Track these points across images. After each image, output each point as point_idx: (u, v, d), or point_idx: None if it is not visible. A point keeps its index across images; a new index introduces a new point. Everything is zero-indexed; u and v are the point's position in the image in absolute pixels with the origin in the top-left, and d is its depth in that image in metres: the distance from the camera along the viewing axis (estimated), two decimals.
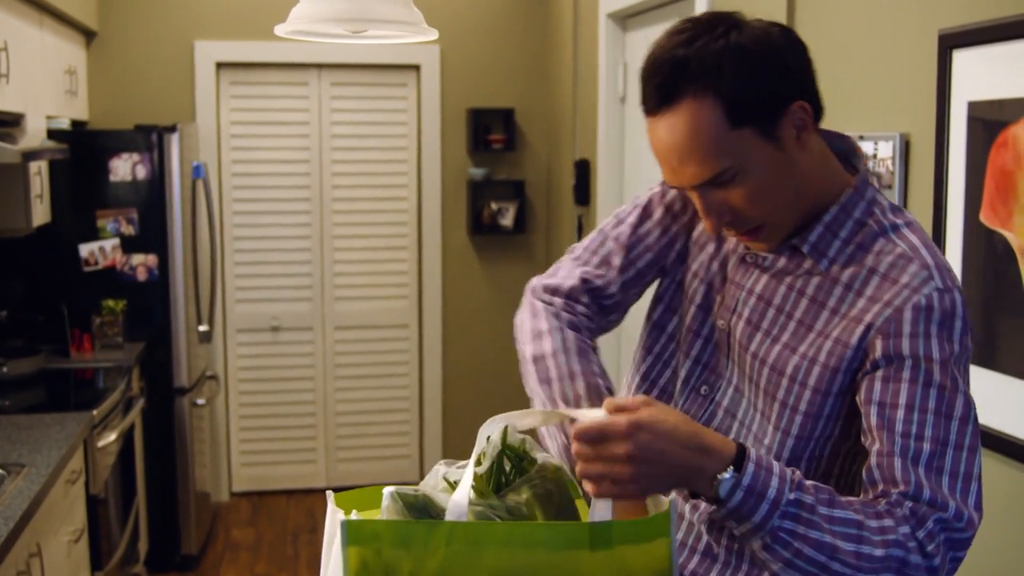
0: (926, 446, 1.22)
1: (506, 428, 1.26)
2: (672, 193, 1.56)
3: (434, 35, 1.35)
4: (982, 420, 1.95)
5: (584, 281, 1.57)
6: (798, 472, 1.20)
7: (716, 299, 1.47)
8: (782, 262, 1.39)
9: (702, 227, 1.53)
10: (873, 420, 1.25)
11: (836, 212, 1.35)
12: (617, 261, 1.56)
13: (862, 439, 1.28)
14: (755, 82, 1.26)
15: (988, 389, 1.91)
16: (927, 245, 1.32)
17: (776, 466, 1.17)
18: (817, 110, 1.34)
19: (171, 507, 4.36)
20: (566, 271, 1.60)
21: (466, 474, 1.17)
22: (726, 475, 1.14)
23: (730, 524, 1.18)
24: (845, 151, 1.42)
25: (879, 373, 1.26)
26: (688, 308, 1.51)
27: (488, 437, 1.27)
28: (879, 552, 1.15)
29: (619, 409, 1.16)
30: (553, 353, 1.50)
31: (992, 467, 1.94)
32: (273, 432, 5.34)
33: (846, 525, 1.16)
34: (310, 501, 5.25)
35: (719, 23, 1.29)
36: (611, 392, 1.45)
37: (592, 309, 1.58)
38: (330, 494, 1.26)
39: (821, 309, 1.33)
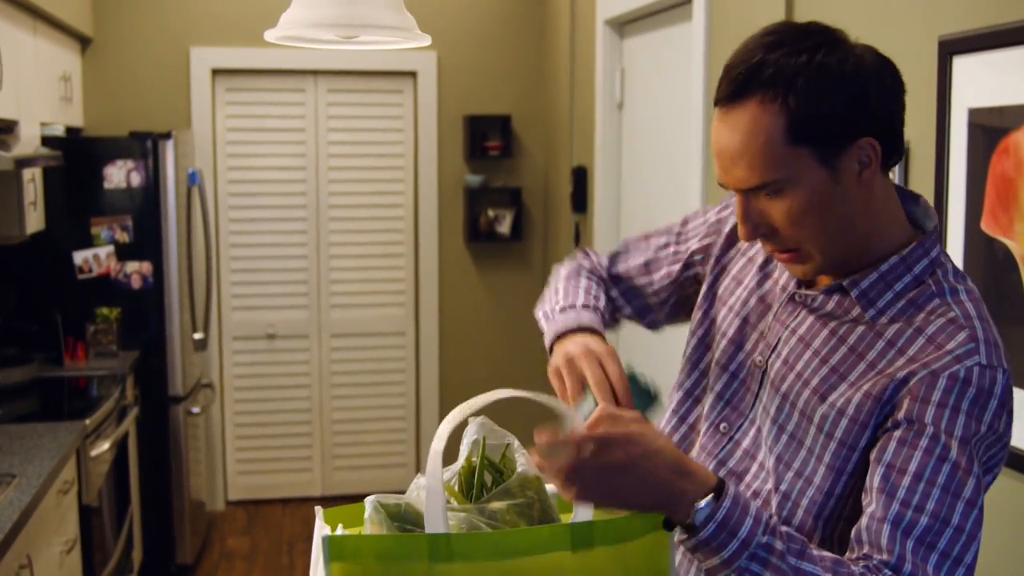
0: (923, 519, 1.17)
1: (484, 438, 1.24)
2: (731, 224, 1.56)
3: (427, 41, 1.33)
4: None
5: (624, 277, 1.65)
6: (775, 518, 1.19)
7: (750, 335, 1.43)
8: (830, 306, 1.35)
9: (743, 263, 1.51)
10: (876, 481, 1.21)
11: (895, 263, 1.30)
12: (658, 278, 1.62)
13: (862, 497, 1.23)
14: (825, 104, 1.22)
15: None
16: (982, 318, 1.27)
17: (753, 507, 1.15)
18: (890, 153, 1.29)
19: (165, 516, 4.33)
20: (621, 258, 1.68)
21: (429, 480, 1.14)
22: (702, 504, 1.13)
23: (698, 556, 1.16)
24: (916, 212, 1.37)
25: (897, 434, 1.21)
26: (720, 342, 1.47)
27: (473, 440, 1.26)
28: None
29: (613, 418, 1.15)
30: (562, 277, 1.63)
31: (999, 483, 1.91)
32: (269, 440, 5.31)
33: None
34: (306, 510, 5.22)
35: (813, 36, 1.25)
36: (598, 310, 1.56)
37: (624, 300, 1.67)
38: (319, 510, 1.24)
39: (859, 360, 1.28)
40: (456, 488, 1.23)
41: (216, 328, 5.12)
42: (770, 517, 1.16)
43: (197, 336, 4.60)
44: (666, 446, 1.15)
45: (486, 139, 5.24)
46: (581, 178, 4.53)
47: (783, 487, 1.30)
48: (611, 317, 1.65)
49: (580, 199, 4.54)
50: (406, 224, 5.32)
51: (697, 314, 1.53)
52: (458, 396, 5.41)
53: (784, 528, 1.16)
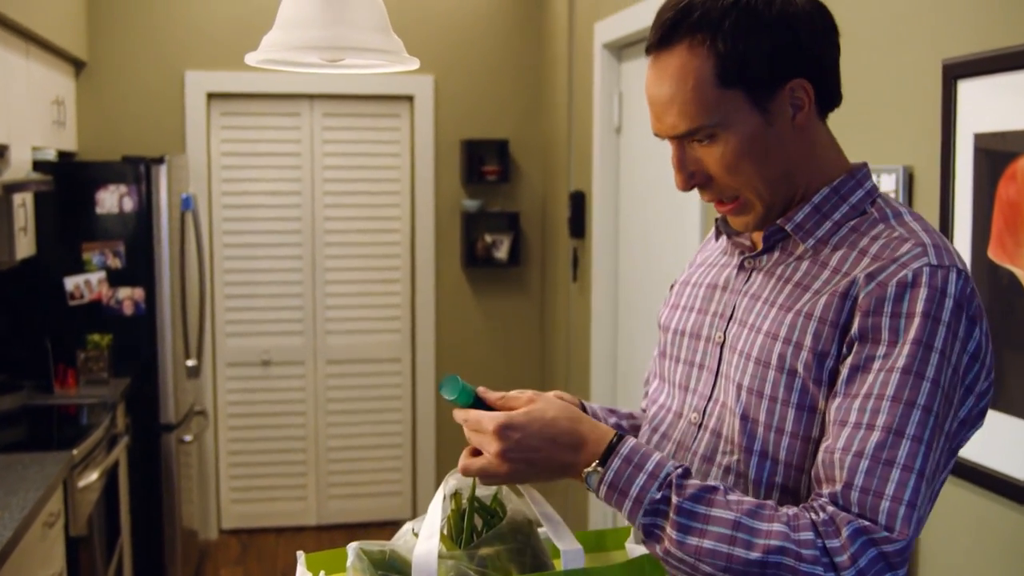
0: (874, 435, 1.11)
1: (474, 479, 1.19)
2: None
3: (415, 64, 1.28)
4: (987, 462, 1.87)
5: None
6: (681, 468, 1.15)
7: (706, 321, 1.38)
8: (776, 256, 1.32)
9: (690, 271, 1.49)
10: (831, 413, 1.16)
11: (826, 193, 1.27)
12: None
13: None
14: (754, 45, 1.21)
15: (994, 430, 1.82)
16: (927, 230, 1.23)
17: (652, 462, 1.15)
18: (826, 98, 1.27)
19: (157, 546, 4.25)
20: None
21: (425, 525, 1.09)
22: (588, 470, 1.17)
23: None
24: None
25: (849, 360, 1.16)
26: (681, 342, 1.43)
27: (452, 491, 1.20)
28: (755, 555, 1.08)
29: (506, 405, 1.23)
30: None
31: (999, 512, 1.85)
32: (263, 468, 5.24)
33: (720, 525, 1.10)
34: (301, 539, 5.14)
35: None
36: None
37: None
38: (300, 555, 1.18)
39: (804, 291, 1.24)
40: (445, 532, 1.17)
41: (210, 354, 5.06)
42: (676, 468, 1.15)
43: (190, 363, 4.54)
44: (555, 420, 1.19)
45: (483, 163, 5.19)
46: (579, 203, 4.48)
47: (757, 446, 1.24)
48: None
49: (578, 224, 4.49)
50: (403, 249, 5.27)
51: (667, 336, 1.49)
52: (455, 423, 5.36)
53: (692, 481, 1.14)
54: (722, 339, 1.34)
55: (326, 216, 5.17)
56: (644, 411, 1.54)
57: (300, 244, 5.15)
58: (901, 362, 1.13)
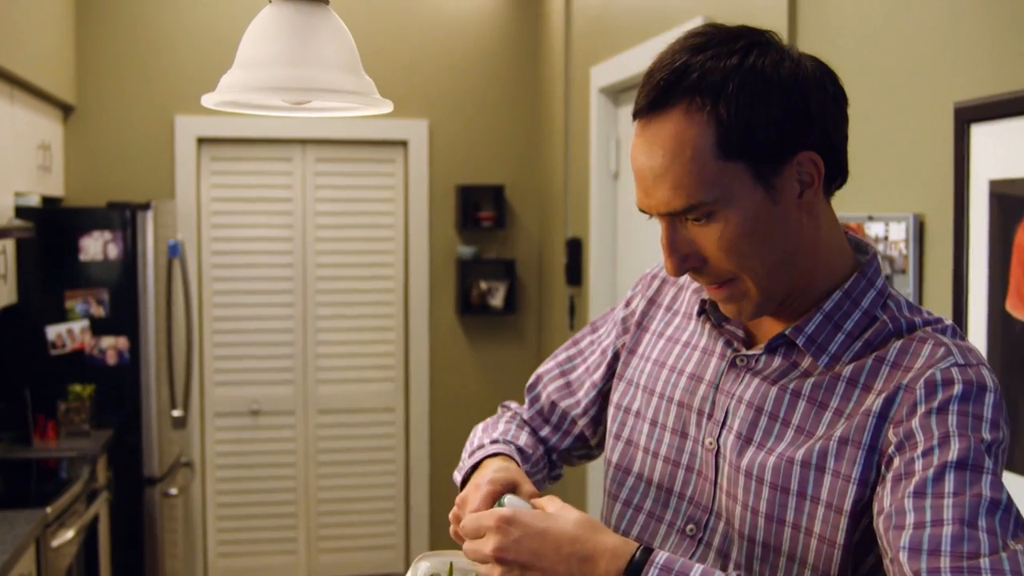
0: (947, 529, 0.95)
1: (451, 563, 1.08)
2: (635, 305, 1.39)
3: (388, 107, 1.18)
4: None
5: (553, 405, 1.45)
6: None
7: (691, 418, 1.23)
8: (777, 361, 1.17)
9: (662, 344, 1.32)
10: (882, 529, 1.00)
11: (838, 299, 1.14)
12: (581, 394, 1.44)
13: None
14: (761, 112, 1.06)
15: (1012, 492, 1.70)
16: (957, 345, 1.10)
17: (696, 571, 0.99)
18: (833, 173, 1.14)
19: None
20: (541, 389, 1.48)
21: None
22: None
23: None
24: (855, 241, 1.22)
25: (890, 474, 1.02)
26: (660, 435, 1.27)
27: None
28: None
29: (508, 520, 1.06)
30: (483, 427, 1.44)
31: None
32: (252, 521, 5.10)
33: None
34: None
35: (744, 37, 1.10)
36: (518, 450, 1.34)
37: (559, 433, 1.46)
38: None
39: (824, 410, 1.10)
40: None
41: (198, 404, 4.93)
42: None
43: (176, 413, 4.41)
44: (562, 528, 1.04)
45: (479, 209, 5.10)
46: (576, 250, 4.38)
47: None
48: (546, 456, 1.45)
49: (575, 271, 4.39)
50: (396, 297, 5.16)
51: (619, 415, 1.33)
52: (449, 475, 5.24)
53: None
54: (715, 447, 1.19)
55: (318, 263, 5.07)
56: (523, 422, 1.44)
57: (291, 291, 5.05)
58: (953, 458, 1.00)
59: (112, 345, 4.10)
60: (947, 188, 1.88)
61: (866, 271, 1.16)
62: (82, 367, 4.08)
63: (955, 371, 1.04)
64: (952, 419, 1.01)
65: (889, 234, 2.03)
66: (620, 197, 4.02)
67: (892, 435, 1.04)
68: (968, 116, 1.81)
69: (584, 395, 1.43)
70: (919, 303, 1.97)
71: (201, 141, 4.91)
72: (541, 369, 1.49)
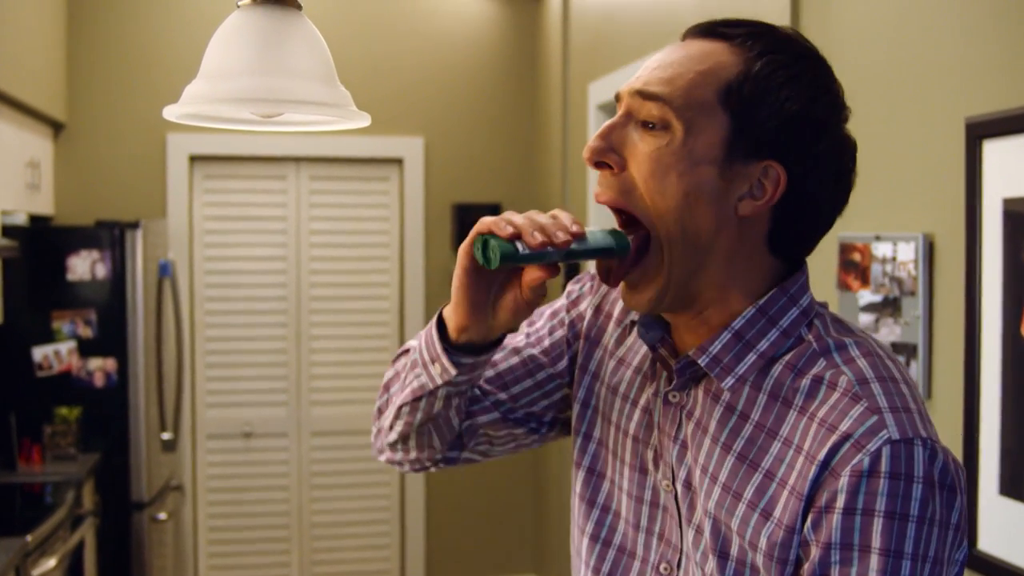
0: None
1: None
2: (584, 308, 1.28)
3: (366, 120, 1.10)
4: (1010, 558, 1.66)
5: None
6: None
7: (647, 455, 1.14)
8: (700, 399, 1.07)
9: (613, 365, 1.22)
10: None
11: (752, 315, 1.04)
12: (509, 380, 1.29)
13: None
14: (787, 96, 1.02)
15: (1017, 523, 1.62)
16: (882, 378, 0.99)
17: None
18: (790, 222, 1.04)
19: None
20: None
21: None
22: None
23: None
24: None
25: (806, 569, 0.95)
26: (619, 468, 1.18)
27: None
28: None
29: None
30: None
31: None
32: (244, 546, 5.00)
33: None
34: None
35: (821, 65, 1.08)
36: None
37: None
38: None
39: (753, 471, 1.01)
40: None
41: (189, 426, 4.84)
42: None
43: (166, 436, 4.32)
44: None
45: None
46: (573, 269, 4.30)
47: None
48: (464, 417, 1.30)
49: None
50: (391, 317, 5.08)
51: (579, 441, 1.24)
52: (445, 499, 5.17)
53: None
54: (672, 490, 1.11)
55: (312, 282, 4.99)
56: None
57: (284, 311, 4.97)
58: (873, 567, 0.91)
59: (100, 367, 4.01)
60: (958, 207, 1.80)
61: (787, 288, 1.06)
62: (69, 389, 3.99)
63: (884, 455, 0.93)
64: (876, 525, 0.92)
65: (897, 254, 1.95)
66: None
67: (811, 518, 0.96)
68: (980, 132, 1.74)
69: (525, 392, 1.29)
70: (929, 327, 1.89)
71: (193, 159, 4.83)
72: None
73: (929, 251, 1.89)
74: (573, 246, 1.05)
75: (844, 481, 0.93)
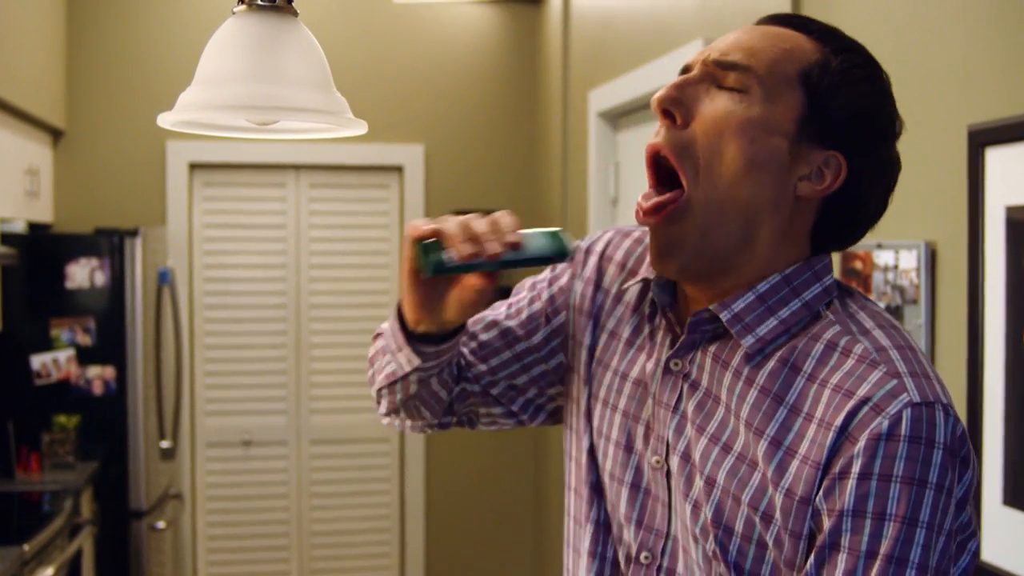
0: None
1: None
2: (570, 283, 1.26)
3: (363, 128, 1.09)
4: (1014, 568, 1.65)
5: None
6: None
7: (637, 431, 1.11)
8: (708, 367, 1.05)
9: (606, 339, 1.19)
10: None
11: (776, 282, 1.03)
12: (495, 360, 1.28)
13: None
14: (858, 94, 1.04)
15: (1022, 534, 1.61)
16: (899, 346, 0.98)
17: None
18: (843, 214, 1.06)
19: None
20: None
21: None
22: None
23: None
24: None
25: (821, 537, 0.92)
26: (607, 448, 1.15)
27: None
28: None
29: None
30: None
31: None
32: (244, 554, 4.98)
33: None
34: None
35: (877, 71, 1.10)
36: None
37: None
38: None
39: (759, 438, 0.99)
40: None
41: (188, 435, 4.83)
42: None
43: (164, 444, 4.31)
44: None
45: None
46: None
47: None
48: (454, 383, 1.28)
49: None
50: None
51: (573, 421, 1.22)
52: (445, 506, 5.15)
53: None
54: (663, 466, 1.09)
55: (311, 290, 4.98)
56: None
57: (284, 319, 4.95)
58: (883, 547, 0.89)
59: (98, 375, 4.00)
60: (961, 214, 1.78)
61: (813, 264, 1.06)
62: (67, 397, 3.98)
63: (905, 418, 0.90)
64: (894, 490, 0.89)
65: (899, 263, 1.93)
66: (619, 223, 3.93)
67: (825, 487, 0.93)
68: (983, 139, 1.72)
69: (503, 364, 1.27)
70: (931, 335, 1.88)
71: (193, 166, 4.83)
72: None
73: (931, 259, 1.88)
74: (507, 256, 1.03)
75: (861, 445, 0.90)
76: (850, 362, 0.96)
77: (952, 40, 1.85)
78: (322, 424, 5.01)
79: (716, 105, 1.02)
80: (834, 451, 0.92)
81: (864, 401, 0.92)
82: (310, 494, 5.02)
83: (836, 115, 1.03)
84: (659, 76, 3.28)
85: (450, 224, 1.06)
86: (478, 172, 5.08)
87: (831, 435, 0.93)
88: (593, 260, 1.25)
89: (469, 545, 5.15)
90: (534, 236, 1.06)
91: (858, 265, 2.05)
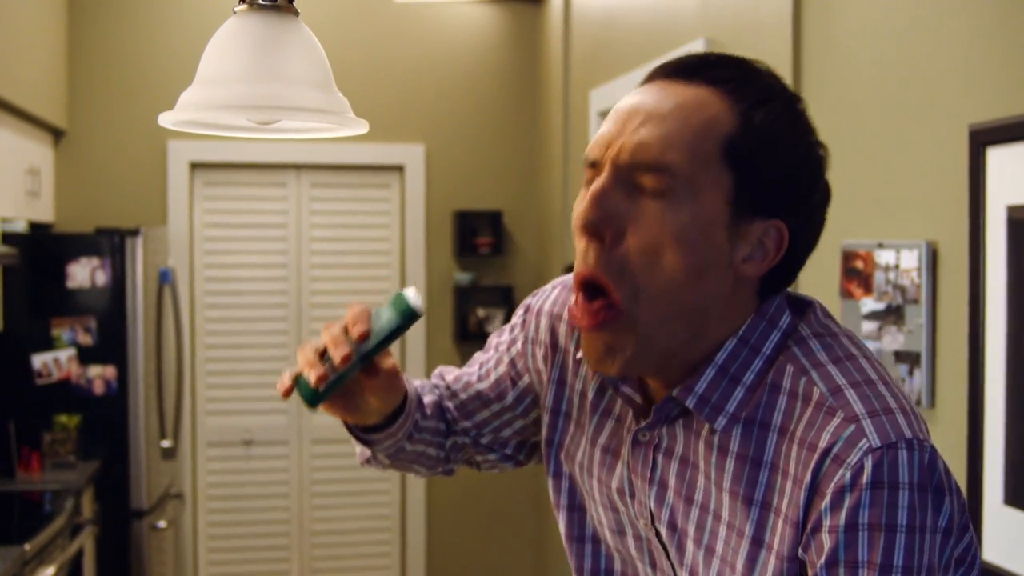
0: None
1: None
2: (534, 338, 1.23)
3: (364, 128, 1.09)
4: (1015, 568, 1.64)
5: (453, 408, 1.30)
6: None
7: (616, 499, 1.10)
8: (680, 438, 1.01)
9: (575, 398, 1.16)
10: None
11: (733, 347, 0.98)
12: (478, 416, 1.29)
13: None
14: (788, 150, 0.96)
15: (1023, 534, 1.61)
16: (856, 383, 0.93)
17: None
18: (785, 273, 1.00)
19: None
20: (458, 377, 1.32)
21: None
22: None
23: None
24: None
25: None
26: (594, 507, 1.14)
27: None
28: None
29: None
30: None
31: None
32: (244, 554, 4.98)
33: None
34: None
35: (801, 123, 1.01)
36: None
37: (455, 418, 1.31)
38: None
39: (748, 505, 0.96)
40: None
41: (190, 434, 4.83)
42: None
43: (165, 444, 4.31)
44: None
45: (476, 235, 5.01)
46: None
47: None
48: (443, 434, 1.28)
49: None
50: None
51: (551, 480, 1.20)
52: (446, 506, 5.15)
53: None
54: (653, 530, 1.07)
55: (312, 290, 4.98)
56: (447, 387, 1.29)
57: (285, 319, 4.95)
58: None
59: (99, 374, 4.00)
60: (962, 214, 1.78)
61: (764, 311, 0.99)
62: (68, 397, 3.98)
63: (866, 466, 0.88)
64: (861, 539, 0.88)
65: (900, 262, 1.93)
66: None
67: (803, 545, 0.93)
68: (984, 139, 1.72)
69: (485, 421, 1.28)
70: (932, 335, 1.88)
71: (194, 166, 4.83)
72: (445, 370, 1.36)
73: (932, 259, 1.88)
74: (361, 349, 1.05)
75: (828, 500, 0.89)
76: (810, 411, 0.93)
77: (953, 40, 1.85)
78: (323, 424, 5.01)
79: (644, 218, 0.94)
80: (808, 507, 0.91)
81: (825, 453, 0.90)
82: (311, 494, 5.02)
83: (768, 180, 0.96)
84: None
85: (301, 355, 1.07)
86: (479, 172, 5.07)
87: (803, 493, 0.92)
88: (544, 321, 1.21)
89: (470, 545, 5.15)
90: (381, 314, 1.06)
91: (859, 265, 2.05)
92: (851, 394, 0.92)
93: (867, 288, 2.04)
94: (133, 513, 4.03)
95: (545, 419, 1.19)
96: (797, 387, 0.95)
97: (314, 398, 1.06)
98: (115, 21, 4.69)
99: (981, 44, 1.77)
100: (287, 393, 1.06)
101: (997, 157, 1.70)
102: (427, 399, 1.26)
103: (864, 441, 0.89)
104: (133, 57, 4.70)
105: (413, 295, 1.06)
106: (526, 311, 1.25)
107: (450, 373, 1.32)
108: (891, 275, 1.96)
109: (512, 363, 1.25)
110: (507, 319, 4.99)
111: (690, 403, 0.98)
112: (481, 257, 5.04)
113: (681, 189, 0.93)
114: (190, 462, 4.84)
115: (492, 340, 1.31)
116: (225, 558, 4.95)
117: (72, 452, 3.86)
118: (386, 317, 1.05)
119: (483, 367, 1.29)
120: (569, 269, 4.17)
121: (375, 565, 5.11)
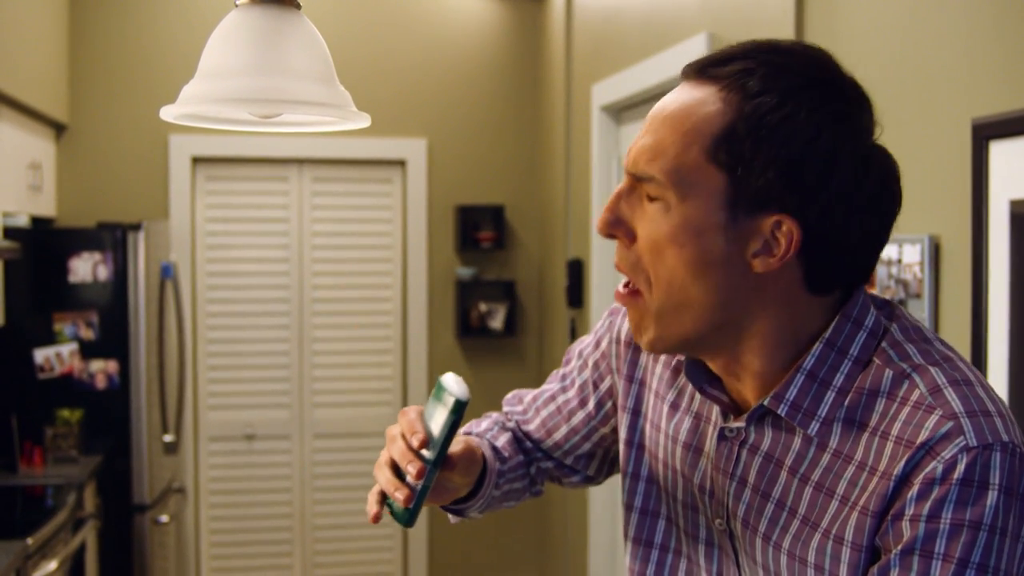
0: None
1: None
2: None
3: (366, 121, 1.09)
4: None
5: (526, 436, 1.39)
6: None
7: (694, 492, 1.11)
8: (769, 433, 1.03)
9: (653, 400, 1.19)
10: None
11: (820, 352, 0.99)
12: (557, 437, 1.36)
13: None
14: (783, 143, 0.94)
15: None
16: (956, 382, 0.94)
17: None
18: (821, 266, 0.98)
19: None
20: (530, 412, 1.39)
21: None
22: None
23: None
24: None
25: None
26: (674, 507, 1.16)
27: None
28: None
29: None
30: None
31: None
32: (247, 548, 4.98)
33: None
34: None
35: (846, 91, 1.03)
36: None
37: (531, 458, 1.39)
38: None
39: (830, 499, 0.98)
40: None
41: (192, 429, 4.83)
42: None
43: (168, 438, 4.32)
44: None
45: (478, 230, 5.01)
46: (577, 271, 4.29)
47: None
48: (526, 466, 1.36)
49: (576, 293, 4.29)
50: (394, 319, 5.07)
51: (627, 481, 1.21)
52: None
53: None
54: (725, 529, 1.08)
55: (314, 284, 4.98)
56: (505, 427, 1.37)
57: (287, 313, 4.95)
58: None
59: (102, 369, 4.01)
60: (964, 208, 1.78)
61: (848, 312, 1.00)
62: (70, 391, 3.98)
63: (960, 461, 0.89)
64: (943, 533, 0.88)
65: (903, 257, 1.93)
66: None
67: (881, 532, 0.93)
68: (987, 133, 1.72)
69: (564, 438, 1.35)
70: (935, 330, 1.88)
71: (196, 160, 4.83)
72: (523, 393, 1.42)
73: (935, 253, 1.88)
74: (429, 456, 1.07)
75: (915, 490, 0.90)
76: (907, 410, 0.94)
77: (956, 34, 1.84)
78: (325, 418, 5.01)
79: (647, 221, 1.00)
80: (893, 497, 0.92)
81: (921, 447, 0.91)
82: (313, 488, 5.02)
83: (764, 176, 0.95)
84: (662, 70, 3.27)
85: (380, 475, 1.12)
86: (481, 166, 5.07)
87: (891, 484, 0.92)
88: (626, 323, 1.27)
89: (472, 538, 5.15)
90: (432, 412, 1.08)
91: None
92: (950, 393, 0.93)
93: (869, 283, 2.03)
94: (135, 507, 4.03)
95: (625, 419, 1.22)
96: (897, 391, 0.96)
97: (409, 517, 1.09)
98: (117, 15, 4.68)
99: (984, 38, 1.77)
100: (378, 518, 1.12)
101: (1000, 151, 1.70)
102: (501, 441, 1.32)
103: (961, 439, 0.90)
104: (135, 51, 4.70)
105: (454, 384, 1.07)
106: (611, 313, 1.30)
107: (528, 394, 1.39)
108: (893, 269, 1.96)
109: (595, 366, 1.29)
110: (509, 314, 4.99)
111: (782, 411, 1.00)
112: (483, 252, 5.04)
113: (668, 195, 0.98)
114: (192, 456, 4.85)
115: (574, 348, 1.36)
116: (227, 552, 4.95)
117: (74, 446, 3.86)
118: (439, 416, 1.07)
119: (567, 377, 1.34)
120: (572, 264, 4.17)
121: (377, 559, 5.12)
